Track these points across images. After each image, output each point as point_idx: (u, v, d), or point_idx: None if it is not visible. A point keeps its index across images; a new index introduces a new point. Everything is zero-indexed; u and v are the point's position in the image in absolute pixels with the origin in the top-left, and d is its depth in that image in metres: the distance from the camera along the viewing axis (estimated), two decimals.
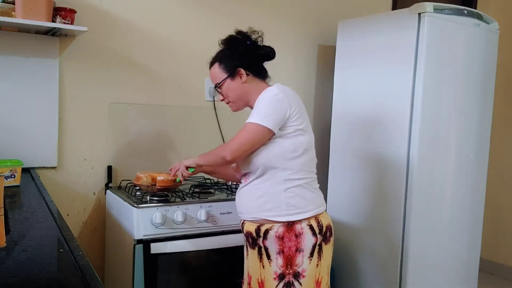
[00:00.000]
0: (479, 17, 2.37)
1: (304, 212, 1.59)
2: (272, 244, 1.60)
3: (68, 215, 2.20)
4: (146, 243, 1.82)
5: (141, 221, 1.83)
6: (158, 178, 1.92)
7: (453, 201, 2.41)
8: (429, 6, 2.16)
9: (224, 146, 1.64)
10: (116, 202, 2.09)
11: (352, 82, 2.54)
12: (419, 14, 2.18)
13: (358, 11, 2.97)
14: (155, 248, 1.84)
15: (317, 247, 1.59)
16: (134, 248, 1.82)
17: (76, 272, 0.94)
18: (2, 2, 1.90)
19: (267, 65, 1.74)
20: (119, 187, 2.23)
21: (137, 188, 2.04)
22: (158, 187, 1.93)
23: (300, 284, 1.57)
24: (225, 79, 1.67)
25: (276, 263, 1.59)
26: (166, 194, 1.97)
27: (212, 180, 2.38)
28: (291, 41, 2.83)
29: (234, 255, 1.95)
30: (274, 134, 1.56)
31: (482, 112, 2.47)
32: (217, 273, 2.04)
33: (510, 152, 3.47)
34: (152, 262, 1.84)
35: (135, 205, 1.85)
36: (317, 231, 1.59)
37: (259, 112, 1.57)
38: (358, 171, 2.48)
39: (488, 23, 2.42)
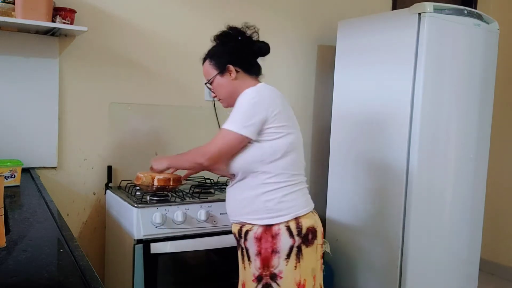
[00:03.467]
0: (479, 17, 2.37)
1: (284, 215, 1.55)
2: (251, 246, 1.58)
3: (68, 215, 2.20)
4: (146, 243, 1.82)
5: (141, 221, 1.83)
6: (158, 177, 1.88)
7: (453, 202, 2.40)
8: (429, 6, 2.16)
9: (197, 152, 1.60)
10: (116, 202, 2.09)
11: (352, 82, 2.54)
12: (419, 14, 2.18)
13: (358, 11, 2.97)
14: (155, 248, 1.84)
15: (295, 249, 1.54)
16: (134, 248, 1.82)
17: (76, 272, 0.94)
18: (2, 2, 1.90)
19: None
20: (119, 187, 2.23)
21: (137, 188, 2.04)
22: (157, 186, 1.89)
23: (278, 285, 1.53)
24: (215, 75, 1.66)
25: (255, 265, 1.57)
26: (166, 194, 1.97)
27: (212, 180, 2.38)
28: (291, 41, 2.83)
29: (234, 255, 1.94)
30: (251, 139, 1.53)
31: (482, 112, 2.47)
32: (217, 273, 2.04)
33: (510, 152, 3.47)
34: (152, 262, 1.83)
35: (135, 205, 1.85)
36: (295, 233, 1.54)
37: (234, 118, 1.53)
38: (358, 172, 2.48)
39: (488, 23, 2.42)
